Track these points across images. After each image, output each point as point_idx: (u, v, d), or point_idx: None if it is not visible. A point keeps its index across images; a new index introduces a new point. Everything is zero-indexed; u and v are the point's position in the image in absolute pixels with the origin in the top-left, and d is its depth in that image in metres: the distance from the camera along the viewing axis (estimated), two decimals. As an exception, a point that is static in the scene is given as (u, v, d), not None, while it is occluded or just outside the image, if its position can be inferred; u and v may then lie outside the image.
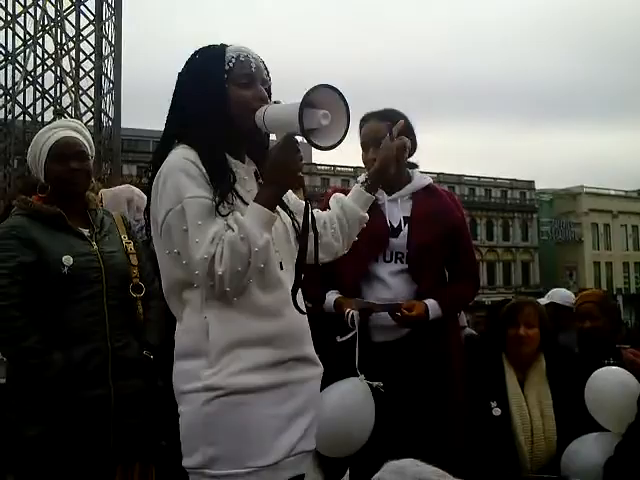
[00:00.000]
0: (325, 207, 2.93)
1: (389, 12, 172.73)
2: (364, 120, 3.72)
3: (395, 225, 3.69)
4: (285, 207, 2.59)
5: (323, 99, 2.23)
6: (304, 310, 2.47)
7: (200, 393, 2.31)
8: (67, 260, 3.15)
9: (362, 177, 3.82)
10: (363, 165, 3.77)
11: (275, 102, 2.41)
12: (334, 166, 57.85)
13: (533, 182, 69.50)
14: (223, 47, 2.49)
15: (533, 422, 3.87)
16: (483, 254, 59.30)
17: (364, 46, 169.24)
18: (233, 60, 2.44)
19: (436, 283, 3.71)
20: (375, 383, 3.39)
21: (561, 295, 6.02)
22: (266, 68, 2.53)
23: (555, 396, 3.94)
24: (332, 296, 3.71)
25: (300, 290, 2.50)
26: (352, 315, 3.47)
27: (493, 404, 3.91)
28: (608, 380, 3.77)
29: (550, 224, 67.06)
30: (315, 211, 2.66)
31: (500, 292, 50.92)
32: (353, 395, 3.38)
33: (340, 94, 2.25)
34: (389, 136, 2.92)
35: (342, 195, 2.88)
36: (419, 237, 3.64)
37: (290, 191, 2.63)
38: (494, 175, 68.38)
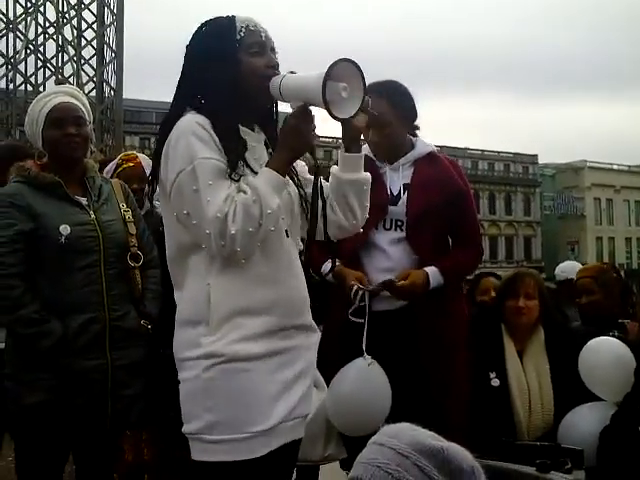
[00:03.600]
0: None
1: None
2: None
3: (395, 193, 3.67)
4: (292, 177, 2.60)
5: (342, 72, 2.31)
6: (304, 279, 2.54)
7: (200, 360, 2.35)
8: (64, 229, 3.13)
9: (366, 147, 3.80)
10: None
11: (291, 72, 2.44)
12: (337, 138, 57.62)
13: (536, 156, 69.57)
14: (232, 17, 2.52)
15: (531, 393, 3.88)
16: (485, 228, 59.34)
17: (367, 13, 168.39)
18: (243, 29, 2.48)
19: (436, 251, 3.67)
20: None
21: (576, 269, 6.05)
22: (272, 38, 2.55)
23: (553, 367, 3.95)
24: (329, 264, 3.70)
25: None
26: (363, 294, 3.46)
27: (492, 375, 3.92)
28: (601, 350, 3.78)
29: (553, 198, 67.15)
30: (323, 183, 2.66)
31: (502, 266, 51.03)
32: (370, 374, 3.36)
33: (359, 68, 2.34)
34: None
35: (334, 166, 2.76)
36: (418, 204, 3.62)
37: (298, 160, 2.63)
38: (497, 148, 68.39)
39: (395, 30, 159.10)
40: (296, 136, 2.41)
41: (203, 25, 2.57)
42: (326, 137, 56.92)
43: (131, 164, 4.12)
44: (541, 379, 3.91)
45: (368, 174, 2.67)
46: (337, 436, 3.46)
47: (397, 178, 3.70)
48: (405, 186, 3.68)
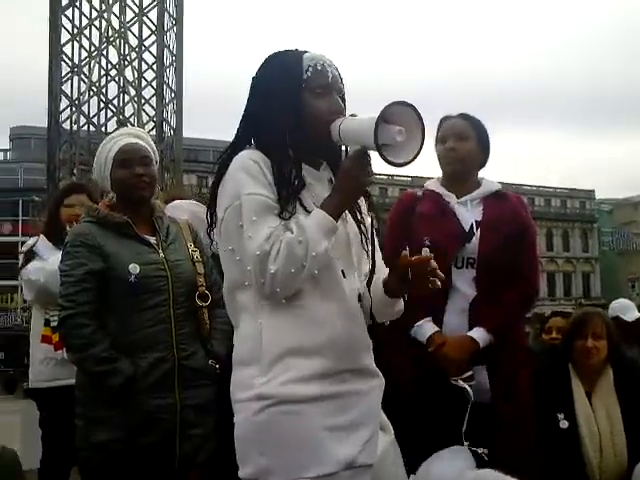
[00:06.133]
0: (396, 217, 3.20)
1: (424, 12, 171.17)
2: (445, 118, 3.75)
3: (467, 229, 3.58)
4: (355, 216, 2.54)
5: (399, 115, 2.23)
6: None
7: (252, 402, 2.29)
8: (134, 268, 3.17)
9: (431, 182, 3.79)
10: (437, 160, 3.75)
11: (352, 115, 2.39)
12: (392, 175, 57.69)
13: (593, 191, 68.87)
14: (300, 54, 2.48)
15: (602, 435, 3.80)
16: (543, 265, 58.66)
17: (410, 47, 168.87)
18: (310, 68, 2.43)
19: (492, 291, 3.52)
20: (480, 450, 3.32)
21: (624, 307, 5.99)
22: (340, 76, 2.50)
23: (624, 409, 3.87)
24: (428, 326, 3.54)
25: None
26: (466, 389, 3.38)
27: (560, 416, 3.84)
28: None
29: (611, 234, 66.35)
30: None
31: (561, 303, 50.33)
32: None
33: (417, 112, 2.24)
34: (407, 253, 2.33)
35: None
36: (489, 243, 3.54)
37: (362, 201, 2.58)
38: (553, 185, 67.91)
39: (447, 64, 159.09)
40: (350, 180, 2.34)
41: (270, 58, 2.53)
42: (381, 174, 56.94)
43: None
44: (612, 421, 3.84)
45: None
46: None
47: (467, 214, 3.63)
48: (477, 223, 3.59)
